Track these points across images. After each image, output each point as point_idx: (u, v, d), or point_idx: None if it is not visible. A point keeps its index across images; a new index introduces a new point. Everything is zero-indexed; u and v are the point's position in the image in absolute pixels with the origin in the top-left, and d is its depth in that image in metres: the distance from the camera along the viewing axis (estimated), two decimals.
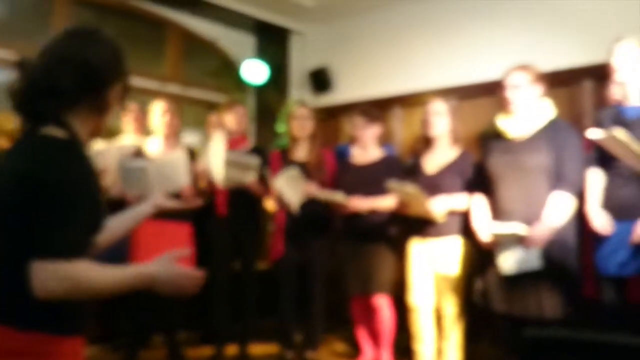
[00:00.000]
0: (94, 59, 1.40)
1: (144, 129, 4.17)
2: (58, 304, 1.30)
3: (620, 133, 2.61)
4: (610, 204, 2.87)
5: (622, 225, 2.79)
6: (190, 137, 5.26)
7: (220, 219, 3.95)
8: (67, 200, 1.29)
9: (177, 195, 3.75)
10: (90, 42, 1.42)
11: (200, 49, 5.46)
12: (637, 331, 2.76)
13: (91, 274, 1.31)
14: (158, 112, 3.94)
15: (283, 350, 3.99)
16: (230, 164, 3.75)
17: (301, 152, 3.98)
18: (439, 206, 3.38)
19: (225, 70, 5.49)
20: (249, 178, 3.80)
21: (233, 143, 4.00)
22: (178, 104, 4.63)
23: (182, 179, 3.71)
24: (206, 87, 5.46)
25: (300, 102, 4.38)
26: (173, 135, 3.99)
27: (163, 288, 1.41)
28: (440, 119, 3.53)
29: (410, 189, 3.33)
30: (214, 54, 5.51)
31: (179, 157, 3.74)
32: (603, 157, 2.92)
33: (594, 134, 2.73)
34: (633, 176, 2.78)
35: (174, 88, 5.19)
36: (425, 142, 3.64)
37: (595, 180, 2.96)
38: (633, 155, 2.64)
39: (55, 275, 1.26)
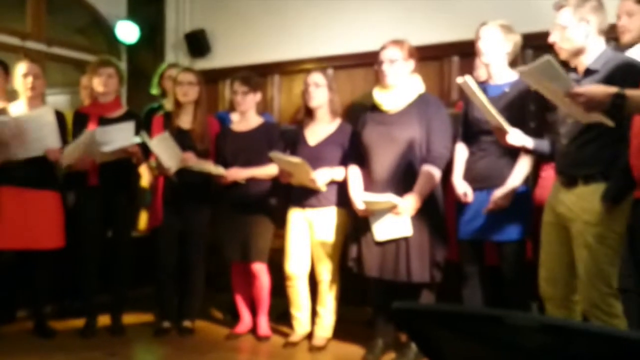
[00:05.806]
0: None
1: (5, 91, 3.85)
2: None
3: (469, 79, 2.73)
4: (470, 175, 3.11)
5: (479, 195, 3.04)
6: (55, 99, 4.93)
7: (91, 187, 3.78)
8: None
9: (42, 159, 3.55)
10: None
11: (66, 4, 5.09)
12: (492, 295, 3.05)
13: None
14: (19, 74, 3.70)
15: (159, 320, 3.94)
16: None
17: (185, 119, 3.88)
18: (322, 177, 3.47)
19: (94, 28, 5.16)
20: (129, 142, 3.65)
21: (106, 108, 3.83)
22: (40, 61, 4.32)
23: (51, 138, 3.50)
24: (73, 46, 5.11)
25: (184, 67, 4.20)
26: (37, 98, 3.77)
27: None
28: (319, 91, 3.59)
29: (294, 160, 3.39)
30: (81, 10, 5.16)
31: (46, 112, 3.51)
32: (467, 131, 3.14)
33: (460, 80, 2.83)
34: (490, 148, 3.02)
35: (35, 45, 4.81)
36: (306, 113, 3.70)
37: (460, 153, 3.19)
38: (480, 105, 2.79)
39: None
